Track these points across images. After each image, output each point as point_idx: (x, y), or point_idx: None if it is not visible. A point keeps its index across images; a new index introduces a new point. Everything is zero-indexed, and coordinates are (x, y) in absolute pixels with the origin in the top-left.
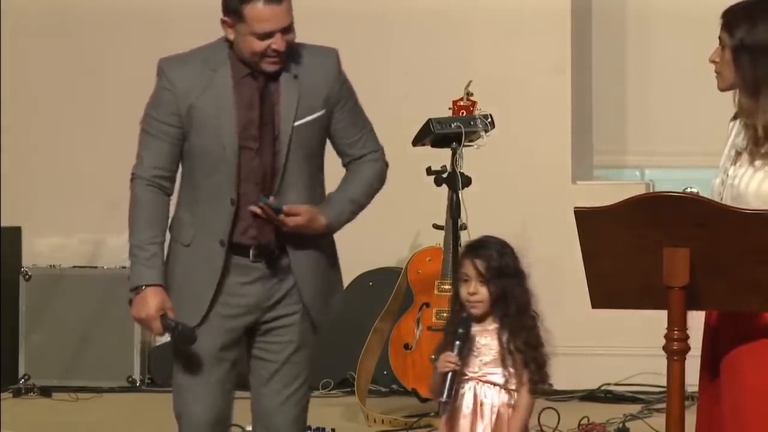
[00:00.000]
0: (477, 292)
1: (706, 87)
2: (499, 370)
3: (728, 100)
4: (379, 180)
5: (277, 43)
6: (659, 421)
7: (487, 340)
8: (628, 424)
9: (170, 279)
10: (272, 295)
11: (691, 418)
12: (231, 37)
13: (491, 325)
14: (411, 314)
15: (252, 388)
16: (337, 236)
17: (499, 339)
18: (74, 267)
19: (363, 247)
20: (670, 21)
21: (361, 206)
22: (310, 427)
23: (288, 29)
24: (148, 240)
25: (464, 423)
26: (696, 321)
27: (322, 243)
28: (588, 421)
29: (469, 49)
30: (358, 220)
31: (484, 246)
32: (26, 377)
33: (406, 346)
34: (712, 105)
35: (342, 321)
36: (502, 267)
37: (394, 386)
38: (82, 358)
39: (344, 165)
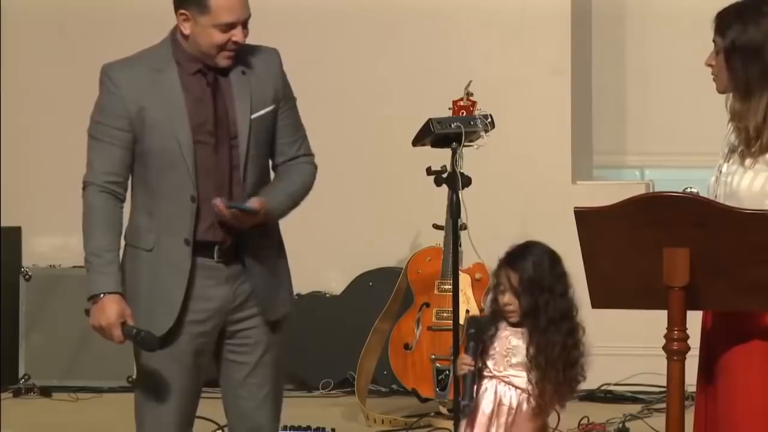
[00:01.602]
0: (510, 303)
1: (706, 87)
2: (524, 373)
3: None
4: (311, 182)
5: (238, 35)
6: (659, 421)
7: (517, 341)
8: (628, 424)
9: (135, 288)
10: (237, 296)
11: (690, 418)
12: (187, 31)
13: (524, 327)
14: (411, 314)
15: (225, 391)
16: (337, 236)
17: (527, 351)
18: (74, 267)
19: (363, 247)
20: (669, 21)
21: (296, 204)
22: (310, 427)
23: (247, 22)
24: (104, 247)
25: (482, 420)
26: (696, 321)
27: (269, 241)
28: (588, 421)
29: (469, 49)
30: (359, 220)
31: (522, 256)
32: (26, 377)
33: (406, 346)
34: (712, 105)
35: (342, 321)
36: (534, 280)
37: (394, 386)
38: (82, 358)
39: (276, 165)
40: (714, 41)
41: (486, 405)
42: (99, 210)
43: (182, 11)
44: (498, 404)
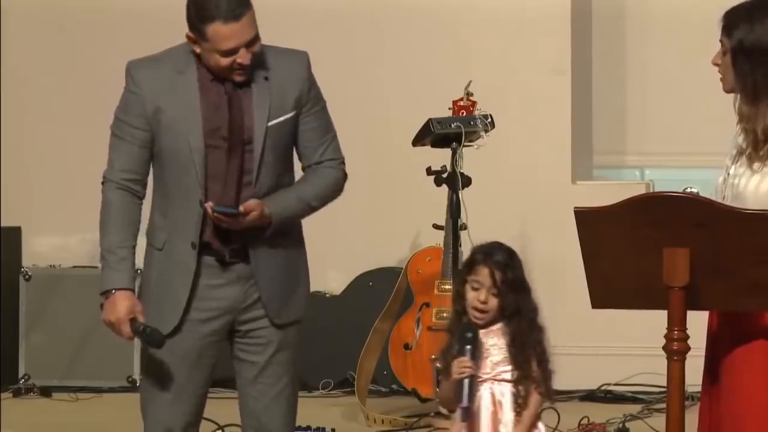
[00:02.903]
0: (487, 302)
1: (706, 87)
2: (510, 366)
3: (728, 101)
4: (335, 187)
5: (242, 57)
6: (659, 421)
7: (494, 339)
8: (628, 424)
9: (146, 284)
10: (248, 297)
11: (690, 418)
12: (197, 50)
13: (496, 325)
14: (411, 314)
15: (238, 389)
16: (338, 236)
17: (512, 351)
18: (74, 267)
19: (363, 247)
20: (669, 21)
21: (312, 208)
22: (310, 427)
23: (253, 42)
24: (118, 244)
25: (486, 423)
26: (696, 321)
27: (286, 242)
28: (588, 421)
29: (469, 49)
30: (359, 220)
31: (504, 254)
32: (26, 377)
33: (406, 346)
34: (712, 105)
35: (342, 321)
36: (515, 280)
37: (394, 386)
38: (82, 358)
39: (303, 169)
40: (721, 41)
41: (485, 408)
42: (115, 206)
43: (188, 33)
44: (498, 404)
